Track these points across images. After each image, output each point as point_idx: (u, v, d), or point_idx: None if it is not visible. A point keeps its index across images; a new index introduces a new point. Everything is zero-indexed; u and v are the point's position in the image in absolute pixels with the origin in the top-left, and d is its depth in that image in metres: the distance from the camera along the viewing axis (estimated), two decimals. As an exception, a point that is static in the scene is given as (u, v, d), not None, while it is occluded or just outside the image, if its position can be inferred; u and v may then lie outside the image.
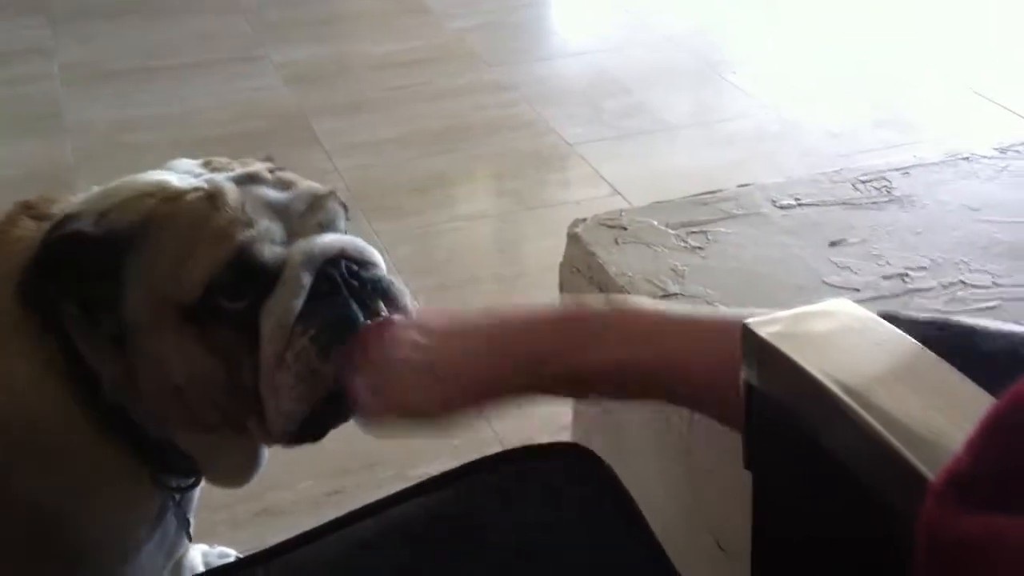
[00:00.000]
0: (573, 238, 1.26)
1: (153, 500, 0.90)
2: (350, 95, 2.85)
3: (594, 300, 0.85)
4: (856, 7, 3.50)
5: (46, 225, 0.83)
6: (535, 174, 2.47)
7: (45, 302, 0.78)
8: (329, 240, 0.81)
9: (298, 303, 0.78)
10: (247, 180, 0.82)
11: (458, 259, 2.12)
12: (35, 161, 2.48)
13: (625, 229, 1.24)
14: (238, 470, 0.91)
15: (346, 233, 0.85)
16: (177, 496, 0.91)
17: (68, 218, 0.80)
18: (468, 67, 3.02)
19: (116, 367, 0.80)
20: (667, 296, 1.12)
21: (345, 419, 0.83)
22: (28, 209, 0.86)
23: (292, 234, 0.81)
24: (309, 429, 0.83)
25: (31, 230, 0.83)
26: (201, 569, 1.23)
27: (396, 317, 0.82)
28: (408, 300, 0.84)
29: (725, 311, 0.83)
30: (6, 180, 2.38)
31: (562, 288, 1.32)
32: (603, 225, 1.25)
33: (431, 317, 0.82)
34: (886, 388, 0.61)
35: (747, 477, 0.79)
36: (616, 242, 1.21)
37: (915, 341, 0.65)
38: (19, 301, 0.79)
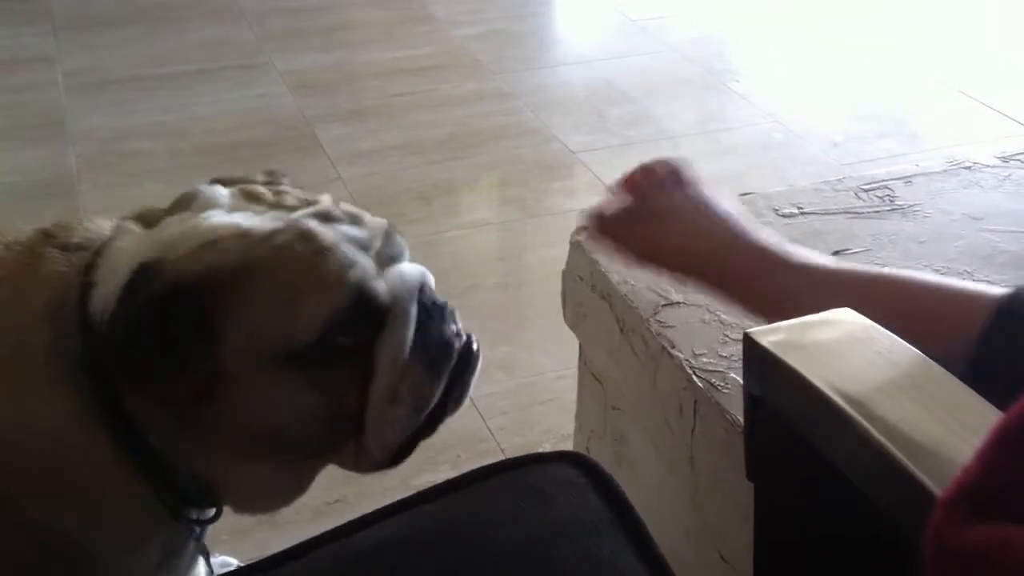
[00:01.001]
0: (576, 246, 1.26)
1: (168, 535, 0.89)
2: (354, 103, 2.86)
3: (781, 255, 0.90)
4: (860, 16, 3.51)
5: (75, 257, 0.80)
6: (539, 182, 2.47)
7: (140, 368, 0.75)
8: (414, 270, 0.84)
9: (411, 335, 0.81)
10: (326, 218, 0.82)
11: (461, 267, 2.12)
12: (38, 168, 2.48)
13: (628, 238, 1.23)
14: (279, 498, 0.89)
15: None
16: (198, 529, 0.90)
17: (157, 274, 0.76)
18: (472, 75, 3.03)
19: (170, 415, 0.78)
20: (669, 304, 1.12)
21: (427, 437, 0.86)
22: (50, 239, 0.83)
23: (378, 267, 0.82)
24: (401, 455, 0.85)
25: (61, 262, 0.81)
26: (202, 577, 1.23)
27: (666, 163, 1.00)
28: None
29: (894, 273, 0.88)
30: (9, 187, 2.38)
31: (564, 296, 1.32)
32: (606, 234, 1.25)
33: (690, 180, 0.99)
34: (889, 398, 0.61)
35: (749, 488, 0.79)
36: (619, 251, 1.21)
37: (918, 351, 0.65)
38: (107, 370, 0.75)
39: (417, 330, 0.82)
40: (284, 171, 0.92)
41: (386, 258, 0.83)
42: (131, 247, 0.80)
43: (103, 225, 0.85)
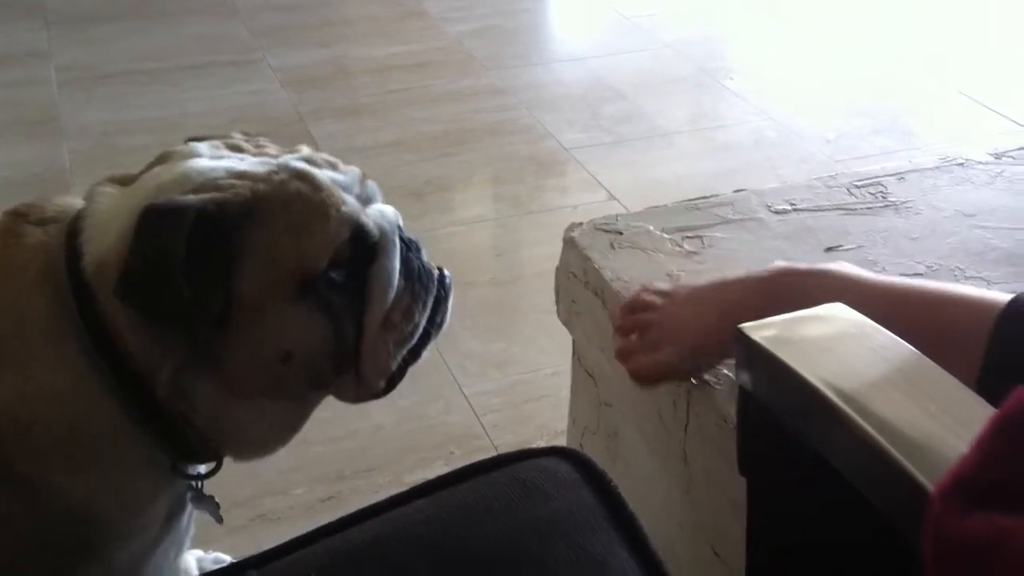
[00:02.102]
0: (569, 243, 1.26)
1: (169, 494, 0.90)
2: (347, 99, 2.85)
3: (805, 265, 0.92)
4: (854, 14, 3.51)
5: (53, 229, 0.82)
6: (532, 179, 2.47)
7: (162, 293, 0.75)
8: (391, 209, 0.91)
9: (398, 264, 0.88)
10: (311, 163, 0.87)
11: (455, 263, 2.10)
12: (32, 164, 2.48)
13: (621, 234, 1.24)
14: (278, 436, 0.91)
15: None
16: (197, 484, 0.91)
17: (170, 203, 0.78)
18: (466, 72, 3.02)
19: (178, 357, 0.80)
20: (663, 301, 1.12)
21: (415, 362, 0.94)
22: (22, 217, 0.84)
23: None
24: (395, 380, 0.92)
25: (41, 236, 0.82)
26: (195, 573, 1.23)
27: (647, 289, 1.04)
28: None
29: (928, 284, 0.88)
30: (2, 182, 2.38)
31: (558, 293, 1.32)
32: (599, 230, 1.25)
33: (673, 288, 1.02)
34: (882, 394, 0.61)
35: (742, 483, 0.79)
36: (612, 247, 1.21)
37: (911, 347, 0.65)
38: (127, 295, 0.76)
39: (401, 262, 0.89)
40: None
41: (365, 199, 0.90)
42: (116, 205, 0.82)
43: (71, 200, 0.87)
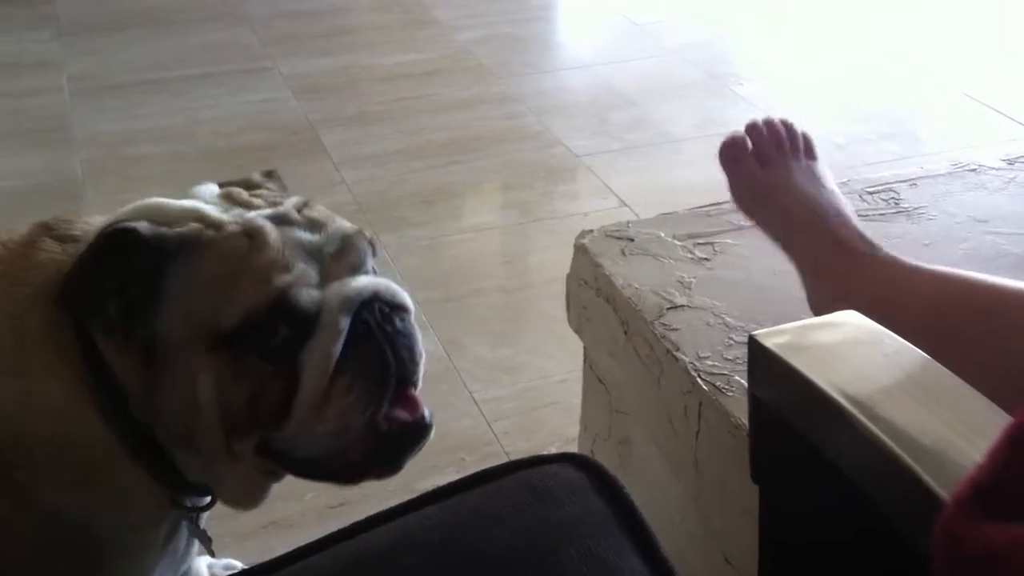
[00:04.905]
0: (580, 250, 1.26)
1: (167, 519, 0.90)
2: (358, 107, 2.86)
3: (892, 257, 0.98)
4: (862, 19, 3.50)
5: (71, 247, 0.83)
6: (542, 186, 2.47)
7: (90, 300, 0.78)
8: (363, 283, 0.82)
9: (337, 348, 0.80)
10: (281, 220, 0.83)
11: (464, 271, 2.12)
12: (43, 173, 2.49)
13: (632, 241, 1.24)
14: (243, 497, 0.90)
15: (375, 271, 0.86)
16: (194, 516, 0.91)
17: (119, 222, 0.81)
18: (475, 79, 3.03)
19: (143, 381, 0.80)
20: (673, 307, 1.12)
21: (392, 470, 0.86)
22: (48, 230, 0.85)
23: (326, 276, 0.82)
24: (344, 475, 0.85)
25: (57, 252, 0.83)
26: (206, 581, 1.23)
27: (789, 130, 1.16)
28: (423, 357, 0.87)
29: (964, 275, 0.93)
30: (14, 192, 2.39)
31: (568, 299, 1.32)
32: (610, 237, 1.25)
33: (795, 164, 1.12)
34: (893, 400, 0.61)
35: (754, 490, 0.79)
36: (623, 253, 1.21)
37: (923, 353, 0.65)
38: (62, 299, 0.79)
39: (350, 344, 0.80)
40: (281, 174, 0.94)
41: (343, 267, 0.83)
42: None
43: (101, 219, 0.87)
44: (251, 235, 0.80)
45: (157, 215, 0.82)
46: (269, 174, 0.94)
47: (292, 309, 0.79)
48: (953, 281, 0.91)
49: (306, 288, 0.80)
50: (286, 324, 0.79)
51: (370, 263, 0.86)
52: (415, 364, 0.85)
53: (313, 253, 0.82)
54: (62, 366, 0.80)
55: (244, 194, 0.87)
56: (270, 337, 0.79)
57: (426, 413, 0.85)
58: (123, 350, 0.80)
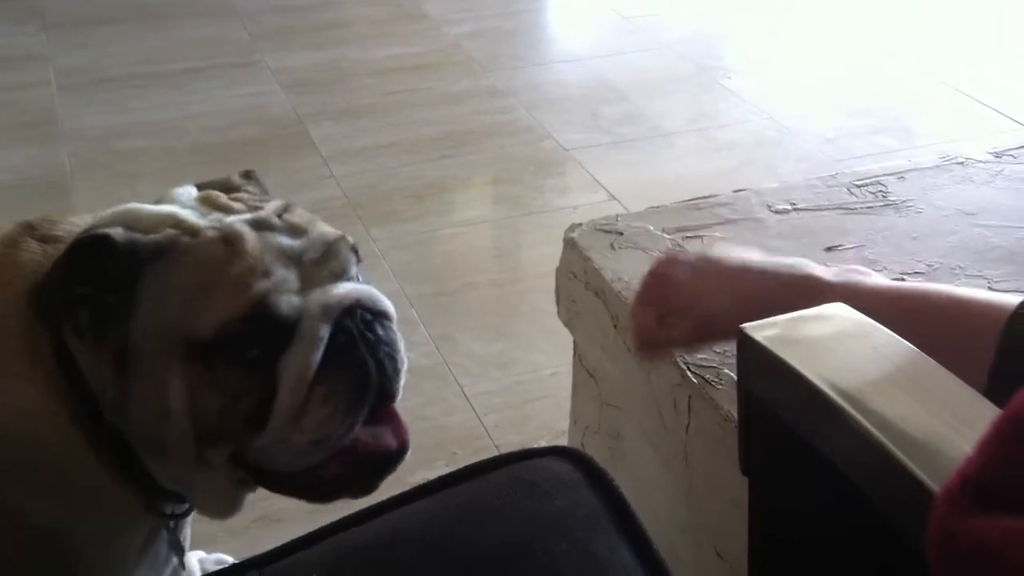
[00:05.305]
0: (569, 243, 1.26)
1: (145, 526, 0.89)
2: (347, 101, 2.86)
3: (826, 270, 0.89)
4: (854, 13, 3.51)
5: (52, 248, 0.82)
6: (532, 180, 2.47)
7: (63, 304, 0.77)
8: (345, 290, 0.80)
9: (316, 357, 0.78)
10: (260, 225, 0.81)
11: (455, 265, 2.12)
12: (31, 167, 2.48)
13: (621, 234, 1.24)
14: (217, 505, 0.89)
15: (359, 278, 0.84)
16: (171, 523, 0.90)
17: (95, 228, 0.80)
18: (466, 73, 3.02)
19: (115, 386, 0.79)
20: (664, 301, 1.12)
21: (366, 491, 0.84)
22: (31, 230, 0.84)
23: (307, 283, 0.80)
24: (317, 492, 0.85)
25: (38, 253, 0.82)
26: (198, 574, 1.23)
27: (670, 257, 0.99)
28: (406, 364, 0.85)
29: (938, 290, 0.87)
30: (1, 186, 2.38)
31: (558, 293, 1.32)
32: (599, 230, 1.25)
33: (697, 260, 0.98)
34: (883, 393, 0.61)
35: (744, 483, 0.79)
36: (612, 247, 1.21)
37: (912, 346, 0.65)
38: (35, 303, 0.78)
39: (330, 352, 0.78)
40: (271, 169, 0.92)
41: (325, 274, 0.81)
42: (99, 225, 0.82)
43: (86, 219, 0.86)
44: (229, 241, 0.78)
45: (133, 221, 0.80)
46: (248, 175, 0.91)
47: (271, 316, 0.77)
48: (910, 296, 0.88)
49: (286, 295, 0.78)
50: (264, 332, 0.77)
51: (353, 270, 0.84)
52: (397, 372, 0.83)
53: (293, 259, 0.80)
54: (35, 369, 0.79)
55: (223, 198, 0.85)
56: (247, 346, 0.77)
57: (407, 437, 0.84)
58: (96, 355, 0.79)
